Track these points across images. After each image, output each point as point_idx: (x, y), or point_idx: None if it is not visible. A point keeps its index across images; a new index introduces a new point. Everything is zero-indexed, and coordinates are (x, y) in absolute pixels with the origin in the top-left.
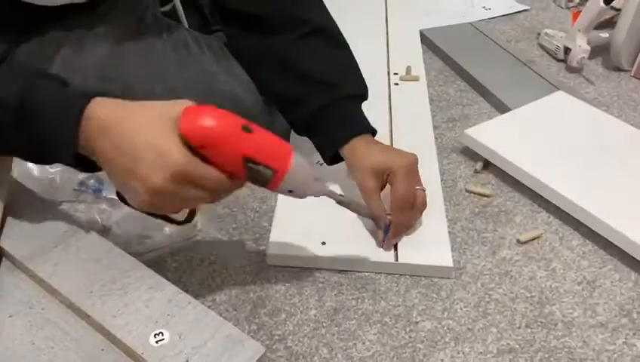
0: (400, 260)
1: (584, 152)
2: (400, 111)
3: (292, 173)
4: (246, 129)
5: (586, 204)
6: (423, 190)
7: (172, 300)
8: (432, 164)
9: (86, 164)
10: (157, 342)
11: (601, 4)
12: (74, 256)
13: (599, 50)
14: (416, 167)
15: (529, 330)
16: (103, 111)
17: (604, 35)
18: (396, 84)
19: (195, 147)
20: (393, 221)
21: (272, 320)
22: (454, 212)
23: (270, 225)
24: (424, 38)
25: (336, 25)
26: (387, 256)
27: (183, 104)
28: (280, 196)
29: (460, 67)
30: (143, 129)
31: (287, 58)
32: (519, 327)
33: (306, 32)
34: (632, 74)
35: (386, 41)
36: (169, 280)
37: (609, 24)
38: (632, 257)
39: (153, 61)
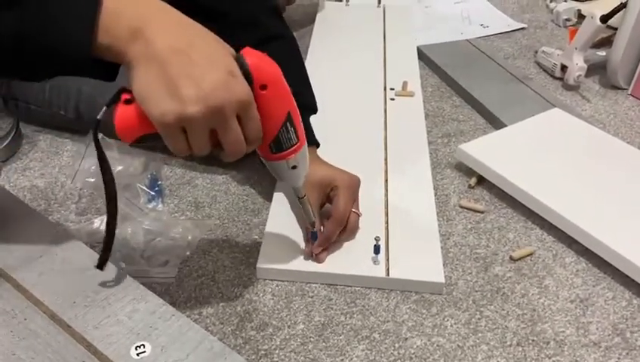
0: (391, 275)
1: (579, 169)
2: (395, 126)
3: (305, 148)
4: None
5: (580, 221)
6: (359, 214)
7: (155, 312)
8: (426, 179)
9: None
10: (138, 354)
11: (598, 22)
12: (59, 266)
13: (596, 69)
14: (358, 189)
15: (520, 348)
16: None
17: (602, 53)
18: (392, 99)
19: (257, 85)
20: (324, 231)
21: (258, 335)
22: (447, 227)
23: (261, 238)
24: (421, 55)
25: (294, 37)
26: (378, 271)
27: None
28: (272, 208)
29: (456, 83)
30: (212, 43)
31: None
32: (510, 345)
33: (267, 37)
34: (629, 92)
35: (384, 56)
36: (156, 292)
37: (607, 43)
38: (626, 276)
39: None
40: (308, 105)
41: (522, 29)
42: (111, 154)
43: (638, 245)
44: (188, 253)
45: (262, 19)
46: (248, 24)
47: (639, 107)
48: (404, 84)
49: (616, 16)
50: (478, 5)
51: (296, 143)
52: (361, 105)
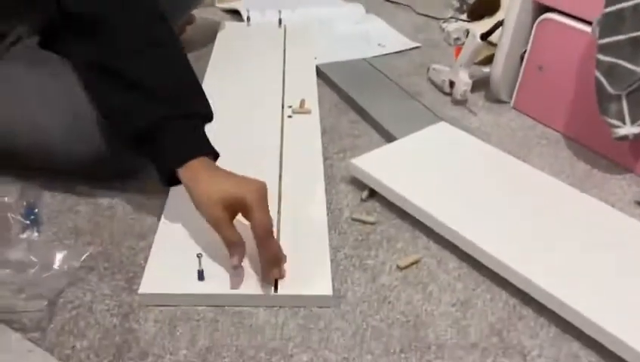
0: (279, 291)
1: (462, 180)
2: (291, 143)
3: None
4: None
5: (460, 227)
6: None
7: (11, 351)
8: (319, 193)
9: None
10: None
11: (478, 40)
12: None
13: (482, 84)
14: (267, 193)
15: (403, 355)
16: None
17: (486, 69)
18: (290, 116)
19: None
20: (265, 255)
21: None
22: (339, 240)
23: (146, 263)
24: (320, 73)
25: (182, 44)
26: (265, 288)
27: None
28: (159, 230)
29: (353, 100)
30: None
31: (129, 67)
32: (394, 353)
33: (153, 43)
34: (512, 105)
35: (283, 75)
36: (26, 327)
37: (492, 60)
38: (503, 277)
39: (12, 84)
40: (202, 112)
41: (417, 47)
42: None
43: (513, 248)
44: (64, 284)
45: (147, 25)
46: (133, 30)
47: (520, 118)
48: (302, 101)
49: (497, 34)
50: (377, 25)
51: None
52: (259, 123)
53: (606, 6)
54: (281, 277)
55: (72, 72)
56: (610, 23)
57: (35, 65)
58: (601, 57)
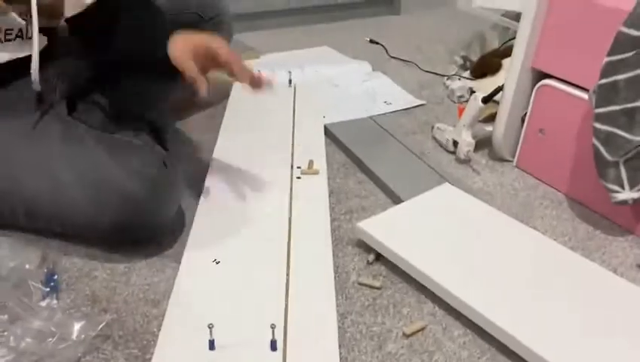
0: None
1: (465, 244)
2: (300, 204)
3: None
4: None
5: (465, 295)
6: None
7: None
8: (327, 257)
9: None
10: None
11: (480, 103)
12: None
13: (486, 142)
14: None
15: None
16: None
17: (489, 128)
18: (298, 177)
19: None
20: (235, 65)
21: None
22: (346, 306)
23: (159, 331)
24: (329, 132)
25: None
26: (275, 359)
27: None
28: (172, 300)
29: (359, 160)
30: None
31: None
32: None
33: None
34: (514, 164)
35: (292, 135)
36: None
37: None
38: (508, 347)
39: (43, 155)
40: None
41: (422, 105)
42: (2, 253)
43: (518, 318)
44: (80, 353)
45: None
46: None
47: (523, 178)
48: (310, 162)
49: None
50: (383, 82)
51: None
52: (269, 184)
53: (601, 78)
54: (258, 76)
55: (101, 148)
56: (605, 94)
57: (69, 138)
58: (598, 125)
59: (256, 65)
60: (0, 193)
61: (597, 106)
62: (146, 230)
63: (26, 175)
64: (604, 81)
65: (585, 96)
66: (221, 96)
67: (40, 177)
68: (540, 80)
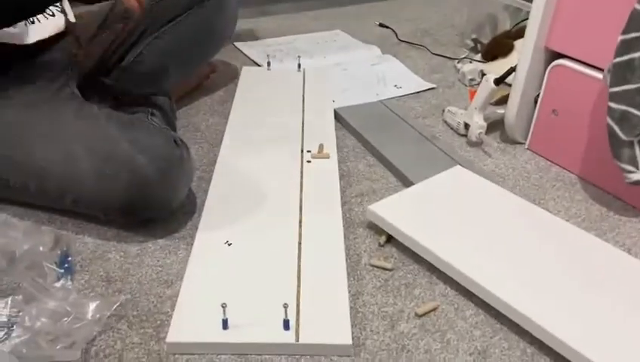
0: (300, 340)
1: (477, 225)
2: (310, 188)
3: None
4: None
5: (477, 275)
6: None
7: None
8: (338, 240)
9: None
10: None
11: (492, 85)
12: None
13: (497, 125)
14: None
15: None
16: None
17: (501, 110)
18: (308, 161)
19: None
20: None
21: None
22: (357, 287)
23: (173, 311)
24: (338, 117)
25: None
26: (287, 337)
27: None
28: (185, 280)
29: (370, 144)
30: None
31: None
32: None
33: None
34: (527, 146)
35: (302, 119)
36: None
37: (507, 100)
38: (520, 326)
39: (57, 128)
40: None
41: (432, 88)
42: (16, 235)
43: (528, 296)
44: (96, 332)
45: None
46: None
47: (535, 160)
48: (320, 146)
49: (511, 75)
50: (393, 66)
51: None
52: (279, 168)
53: (615, 56)
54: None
55: (113, 124)
56: (620, 73)
57: (82, 114)
58: (613, 105)
59: (268, 48)
60: (14, 162)
61: (612, 85)
62: (157, 207)
63: (40, 146)
64: (618, 59)
65: (599, 75)
66: (230, 80)
67: (53, 149)
68: (553, 60)
